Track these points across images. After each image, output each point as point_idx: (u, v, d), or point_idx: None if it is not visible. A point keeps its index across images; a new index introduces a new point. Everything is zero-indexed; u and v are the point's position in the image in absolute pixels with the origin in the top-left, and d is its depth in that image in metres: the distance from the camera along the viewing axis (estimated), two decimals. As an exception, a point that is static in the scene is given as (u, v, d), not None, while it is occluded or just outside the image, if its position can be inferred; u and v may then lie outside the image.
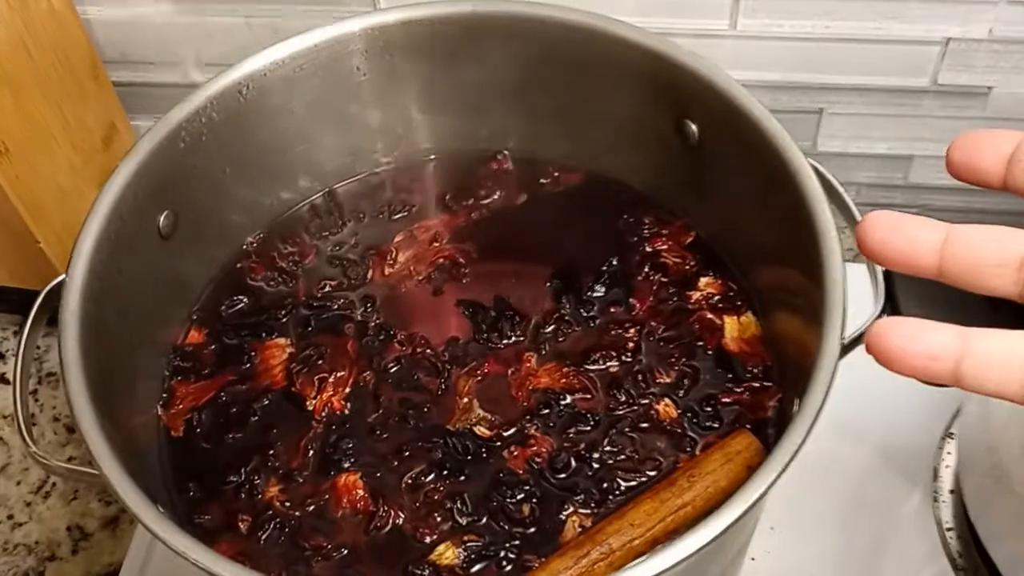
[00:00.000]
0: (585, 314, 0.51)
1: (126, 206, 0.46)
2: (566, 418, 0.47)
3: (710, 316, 0.50)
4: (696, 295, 0.51)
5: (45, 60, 0.64)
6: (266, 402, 0.49)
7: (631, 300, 0.51)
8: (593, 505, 0.45)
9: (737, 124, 0.46)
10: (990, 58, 0.63)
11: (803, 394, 0.38)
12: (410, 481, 0.46)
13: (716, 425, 0.47)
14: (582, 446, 0.46)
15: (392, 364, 0.50)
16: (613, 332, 0.50)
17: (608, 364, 0.49)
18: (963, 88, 0.65)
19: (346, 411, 0.48)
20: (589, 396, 0.48)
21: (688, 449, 0.46)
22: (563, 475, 0.45)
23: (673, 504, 0.43)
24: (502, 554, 0.43)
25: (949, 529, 0.57)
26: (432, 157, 0.58)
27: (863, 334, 0.42)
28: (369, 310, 0.52)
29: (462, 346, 0.50)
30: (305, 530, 0.45)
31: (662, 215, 0.54)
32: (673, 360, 0.49)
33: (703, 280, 0.52)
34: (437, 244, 0.55)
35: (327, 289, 0.53)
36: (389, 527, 0.45)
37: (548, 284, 0.52)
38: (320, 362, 0.50)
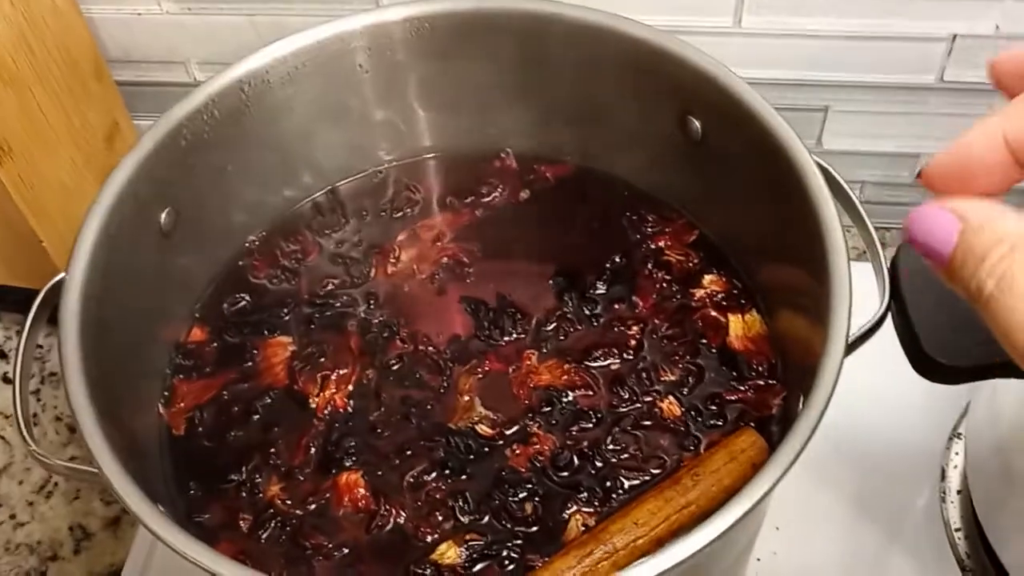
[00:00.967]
0: (588, 312, 0.50)
1: (127, 203, 0.46)
2: (568, 416, 0.47)
3: (714, 314, 0.50)
4: (700, 293, 0.51)
5: (48, 58, 0.64)
6: (268, 400, 0.49)
7: (634, 298, 0.51)
8: (596, 504, 0.44)
9: (740, 120, 0.46)
10: (997, 54, 0.62)
11: (808, 392, 0.38)
12: (412, 480, 0.46)
13: (720, 423, 0.46)
14: (585, 444, 0.46)
15: (394, 362, 0.50)
16: (616, 329, 0.50)
17: (610, 361, 0.49)
18: (970, 85, 0.64)
19: (349, 409, 0.48)
20: (591, 392, 0.48)
21: (692, 447, 0.46)
22: (566, 473, 0.45)
23: (677, 503, 0.43)
24: (504, 553, 0.43)
25: (957, 530, 0.57)
26: (434, 155, 0.58)
27: (869, 331, 0.42)
28: (372, 307, 0.52)
29: (463, 343, 0.50)
30: (306, 529, 0.45)
31: (665, 213, 0.54)
32: (677, 358, 0.49)
33: (707, 278, 0.51)
34: (440, 243, 0.55)
35: (329, 287, 0.53)
36: (390, 526, 0.44)
37: (551, 282, 0.52)
38: (322, 359, 0.50)
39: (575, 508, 0.44)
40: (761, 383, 0.47)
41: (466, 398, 0.48)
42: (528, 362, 0.49)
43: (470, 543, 0.43)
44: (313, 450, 0.47)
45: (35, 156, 0.64)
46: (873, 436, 0.60)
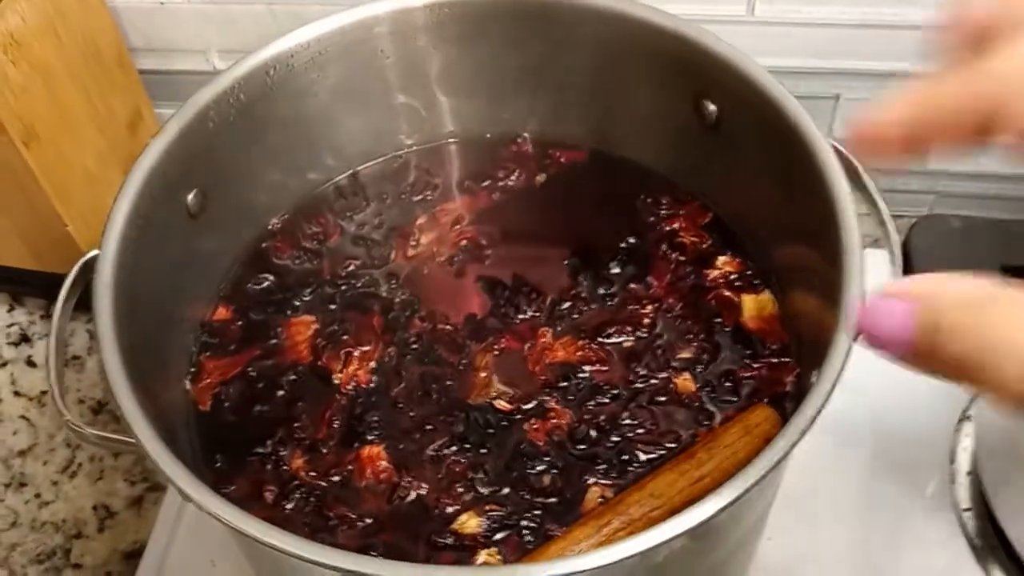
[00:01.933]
0: (602, 291, 0.51)
1: (156, 184, 0.47)
2: (585, 391, 0.48)
3: (728, 294, 0.51)
4: (714, 273, 0.52)
5: (74, 46, 0.65)
6: (292, 377, 0.50)
7: (648, 278, 0.52)
8: (614, 476, 0.45)
9: (755, 103, 0.47)
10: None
11: (822, 365, 0.39)
12: (432, 453, 0.47)
13: (735, 399, 0.47)
14: (602, 418, 0.47)
15: (414, 340, 0.51)
16: (630, 308, 0.51)
17: (624, 339, 0.50)
18: (980, 73, 0.65)
19: (371, 384, 0.49)
20: (605, 368, 0.49)
21: (707, 422, 0.47)
22: (583, 446, 0.46)
23: (692, 475, 0.43)
24: (524, 523, 0.44)
25: (966, 509, 0.58)
26: (454, 140, 0.59)
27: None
28: (393, 287, 0.53)
29: (480, 322, 0.51)
30: (330, 500, 0.46)
31: (679, 195, 0.55)
32: (691, 336, 0.50)
33: (721, 259, 0.52)
34: (459, 226, 0.56)
35: (351, 268, 0.54)
36: (412, 497, 0.46)
37: (566, 263, 0.53)
38: (345, 337, 0.51)
39: (593, 480, 0.45)
40: (775, 361, 0.48)
41: (483, 374, 0.49)
42: (543, 339, 0.50)
43: (490, 513, 0.45)
44: (337, 424, 0.48)
45: (61, 142, 0.65)
46: (884, 419, 0.61)
